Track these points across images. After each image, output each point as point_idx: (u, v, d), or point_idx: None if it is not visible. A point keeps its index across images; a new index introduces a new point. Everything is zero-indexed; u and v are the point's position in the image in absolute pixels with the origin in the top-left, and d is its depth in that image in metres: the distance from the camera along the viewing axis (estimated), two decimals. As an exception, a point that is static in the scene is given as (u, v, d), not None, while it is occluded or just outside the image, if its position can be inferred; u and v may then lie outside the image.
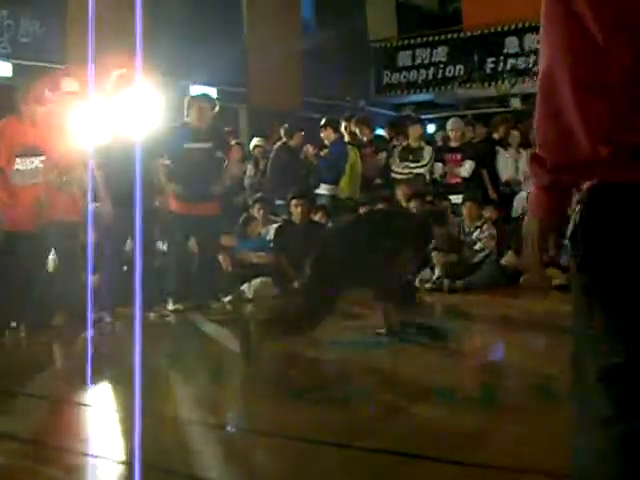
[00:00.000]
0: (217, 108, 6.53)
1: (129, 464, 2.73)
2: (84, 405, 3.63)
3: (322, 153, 8.60)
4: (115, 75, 5.90)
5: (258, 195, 8.09)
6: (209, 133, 6.39)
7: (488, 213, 7.76)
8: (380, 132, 10.03)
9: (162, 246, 7.01)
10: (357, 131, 8.79)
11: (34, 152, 5.31)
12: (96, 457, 2.84)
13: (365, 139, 8.79)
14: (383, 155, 8.71)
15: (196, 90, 10.86)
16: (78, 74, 5.88)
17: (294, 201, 7.56)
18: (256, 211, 7.78)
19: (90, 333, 4.13)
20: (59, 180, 5.57)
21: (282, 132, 8.69)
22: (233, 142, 9.00)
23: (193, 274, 6.52)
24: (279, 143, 8.67)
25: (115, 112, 5.91)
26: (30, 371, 4.37)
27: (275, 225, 7.70)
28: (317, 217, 7.86)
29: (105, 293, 5.86)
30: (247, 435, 3.08)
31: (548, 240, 1.36)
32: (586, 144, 1.17)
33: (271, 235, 7.62)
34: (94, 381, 3.81)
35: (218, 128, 7.03)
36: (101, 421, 3.39)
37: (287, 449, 2.87)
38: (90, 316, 4.46)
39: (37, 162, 5.34)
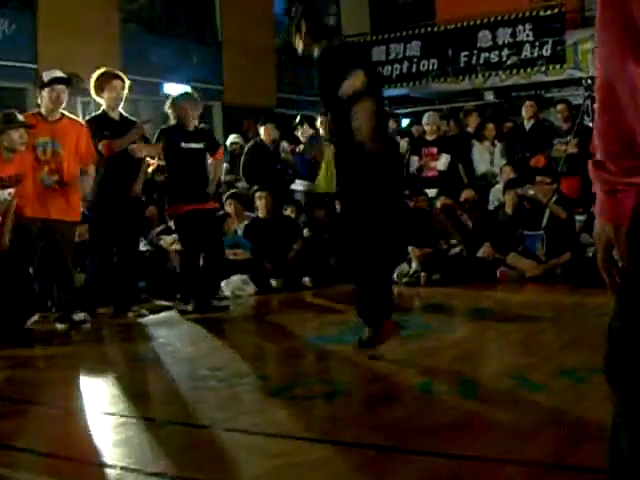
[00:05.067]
0: (201, 107, 6.48)
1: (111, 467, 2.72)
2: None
3: (297, 149, 8.60)
4: (96, 75, 5.86)
5: (230, 191, 8.07)
6: (199, 133, 6.32)
7: (465, 196, 7.83)
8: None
9: (143, 246, 6.99)
10: None
11: (8, 184, 5.20)
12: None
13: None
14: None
15: (170, 88, 10.83)
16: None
17: (257, 193, 7.61)
18: (229, 207, 7.77)
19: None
20: (50, 180, 5.49)
21: (258, 129, 8.68)
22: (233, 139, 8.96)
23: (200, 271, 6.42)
24: (253, 140, 8.66)
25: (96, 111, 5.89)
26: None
27: (244, 222, 7.72)
28: (288, 212, 7.90)
29: (86, 293, 5.83)
30: (229, 434, 3.07)
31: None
32: None
33: (243, 232, 7.63)
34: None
35: (206, 128, 6.99)
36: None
37: (269, 446, 2.87)
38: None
39: (6, 194, 5.22)
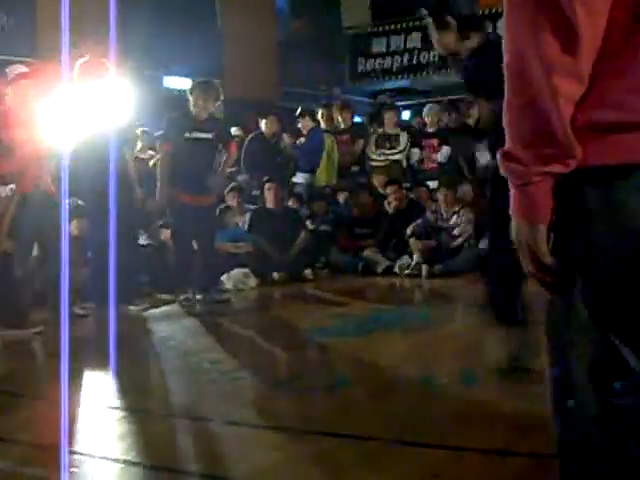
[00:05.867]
0: (221, 97, 6.34)
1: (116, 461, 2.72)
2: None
3: (298, 142, 8.59)
4: (79, 64, 5.71)
5: (232, 184, 8.05)
6: (210, 124, 6.21)
7: (464, 192, 7.80)
8: (357, 119, 10.03)
9: (142, 239, 6.98)
10: (339, 117, 8.79)
11: (5, 181, 5.18)
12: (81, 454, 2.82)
13: (344, 126, 8.79)
14: (360, 142, 8.71)
15: (170, 81, 10.80)
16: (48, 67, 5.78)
17: (267, 185, 7.61)
18: (231, 200, 7.76)
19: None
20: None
21: (259, 122, 8.66)
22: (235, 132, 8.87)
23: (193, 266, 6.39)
24: (253, 133, 8.64)
25: (82, 102, 5.76)
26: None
27: (249, 212, 7.72)
28: (290, 203, 7.92)
29: (88, 287, 5.84)
30: (231, 427, 3.07)
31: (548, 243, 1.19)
32: (562, 130, 1.10)
33: (247, 221, 7.62)
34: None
35: (219, 119, 6.91)
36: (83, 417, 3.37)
37: (271, 439, 2.87)
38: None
39: (8, 190, 5.20)
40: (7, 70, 5.56)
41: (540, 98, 1.10)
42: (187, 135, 6.08)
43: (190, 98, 6.13)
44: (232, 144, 6.59)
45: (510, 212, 1.19)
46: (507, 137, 1.16)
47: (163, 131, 6.35)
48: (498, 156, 1.17)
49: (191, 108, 6.12)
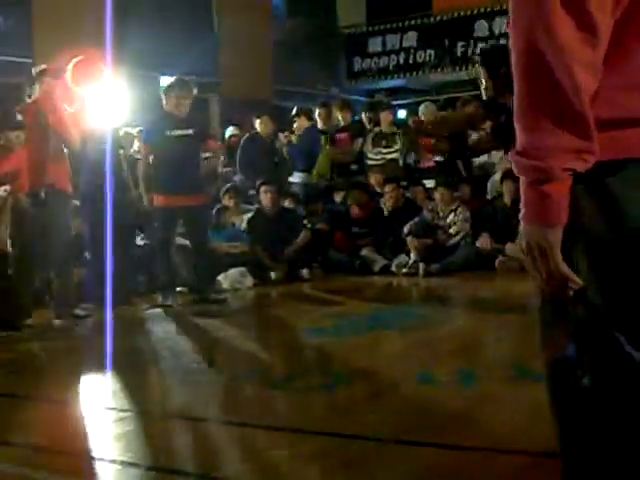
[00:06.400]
0: (195, 91, 6.28)
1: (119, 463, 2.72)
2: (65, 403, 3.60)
3: (293, 138, 8.59)
4: (73, 63, 5.67)
5: (228, 185, 8.04)
6: (189, 120, 6.18)
7: (461, 192, 7.81)
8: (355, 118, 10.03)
9: (140, 240, 6.98)
10: (338, 116, 8.79)
11: (4, 181, 5.18)
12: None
13: (343, 124, 8.79)
14: (359, 141, 8.70)
15: (167, 82, 10.79)
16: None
17: (263, 187, 7.61)
18: (227, 200, 7.76)
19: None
20: (60, 147, 5.43)
21: (253, 121, 8.66)
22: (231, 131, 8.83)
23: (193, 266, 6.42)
24: (248, 133, 8.64)
25: (77, 102, 5.74)
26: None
27: (248, 215, 7.72)
28: (286, 203, 7.92)
29: (86, 288, 5.84)
30: (228, 427, 3.07)
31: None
32: (590, 122, 1.07)
33: (245, 225, 7.62)
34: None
35: (197, 116, 6.88)
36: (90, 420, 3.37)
37: (268, 439, 2.87)
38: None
39: (1, 191, 5.20)
40: (32, 70, 5.62)
41: (566, 89, 1.06)
42: (168, 133, 6.06)
43: (166, 97, 6.12)
44: (211, 141, 6.58)
45: (521, 217, 1.14)
46: (525, 133, 1.10)
47: (143, 133, 6.34)
48: (511, 154, 1.12)
49: (169, 107, 6.11)
